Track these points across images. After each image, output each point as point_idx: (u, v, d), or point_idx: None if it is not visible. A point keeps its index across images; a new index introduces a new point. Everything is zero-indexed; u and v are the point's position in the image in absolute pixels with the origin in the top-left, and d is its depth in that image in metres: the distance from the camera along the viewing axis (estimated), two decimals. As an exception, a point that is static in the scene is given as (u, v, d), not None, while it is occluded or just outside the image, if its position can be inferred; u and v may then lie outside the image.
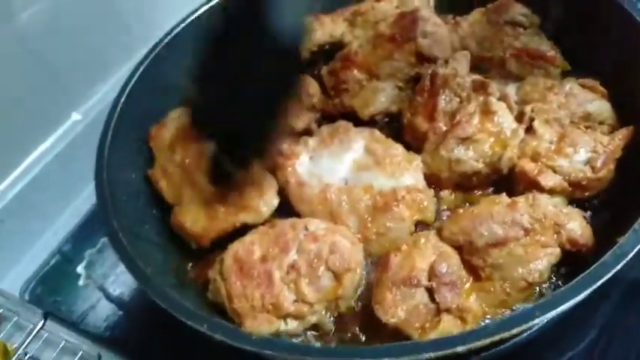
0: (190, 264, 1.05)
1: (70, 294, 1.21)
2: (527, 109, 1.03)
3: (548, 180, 0.95)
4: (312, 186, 1.02)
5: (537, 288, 0.89)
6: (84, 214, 1.33)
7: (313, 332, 0.90)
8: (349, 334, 0.90)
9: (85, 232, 1.30)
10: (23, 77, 1.23)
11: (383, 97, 1.16)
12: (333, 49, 1.30)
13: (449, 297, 0.84)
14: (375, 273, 0.92)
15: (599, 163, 0.95)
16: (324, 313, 0.89)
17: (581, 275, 0.74)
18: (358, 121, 1.14)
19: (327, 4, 1.37)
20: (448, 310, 0.83)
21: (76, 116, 1.38)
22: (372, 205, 0.98)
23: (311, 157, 1.06)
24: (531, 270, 0.86)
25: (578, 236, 0.88)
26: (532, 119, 1.02)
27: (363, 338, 0.89)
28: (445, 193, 1.04)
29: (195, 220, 1.02)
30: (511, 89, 1.08)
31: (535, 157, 0.97)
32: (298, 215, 1.01)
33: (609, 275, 0.74)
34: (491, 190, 1.03)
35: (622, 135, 0.98)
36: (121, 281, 1.20)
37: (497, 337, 0.70)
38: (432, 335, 0.80)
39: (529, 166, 0.96)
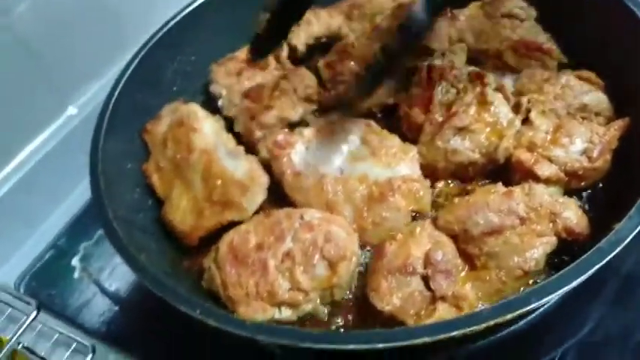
0: (185, 253, 1.04)
1: (65, 287, 1.21)
2: (524, 100, 1.03)
3: (545, 170, 0.95)
4: (307, 176, 1.02)
5: (533, 278, 0.88)
6: (80, 207, 1.33)
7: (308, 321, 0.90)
8: (343, 323, 0.90)
9: (81, 225, 1.30)
10: (18, 72, 1.23)
11: (380, 89, 1.16)
12: (330, 42, 1.31)
13: (444, 285, 0.83)
14: (370, 261, 0.91)
15: (595, 154, 0.95)
16: (318, 301, 0.89)
17: (577, 261, 0.74)
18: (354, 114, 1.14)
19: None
20: (443, 298, 0.83)
21: (71, 110, 1.37)
22: (367, 195, 0.98)
23: (307, 147, 1.06)
24: (527, 258, 0.86)
25: (574, 225, 0.88)
26: (529, 110, 1.03)
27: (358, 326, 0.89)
28: (441, 184, 1.04)
29: (184, 218, 1.02)
30: (508, 81, 1.09)
31: (531, 148, 0.97)
32: (294, 205, 1.01)
33: (605, 261, 0.74)
34: (487, 180, 1.03)
35: (618, 126, 0.98)
36: (117, 274, 1.19)
37: (492, 323, 0.69)
38: (429, 322, 0.80)
39: (525, 156, 0.96)
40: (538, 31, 1.17)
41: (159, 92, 1.22)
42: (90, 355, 1.04)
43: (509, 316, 0.70)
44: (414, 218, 0.98)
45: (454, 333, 0.68)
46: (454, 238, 0.89)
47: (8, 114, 1.22)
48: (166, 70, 1.26)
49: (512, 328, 0.91)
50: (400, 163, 1.00)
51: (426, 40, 1.16)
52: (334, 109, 1.16)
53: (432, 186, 1.03)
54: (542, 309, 0.93)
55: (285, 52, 1.28)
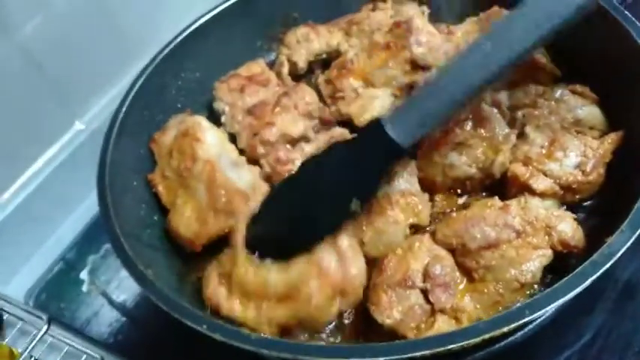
0: (191, 268, 1.06)
1: (73, 300, 1.23)
2: (519, 114, 1.05)
3: (540, 183, 0.97)
4: (309, 191, 1.04)
5: (530, 290, 0.90)
6: (87, 221, 1.35)
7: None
8: (343, 337, 0.92)
9: (89, 239, 1.32)
10: (25, 87, 1.25)
11: (378, 105, 1.18)
12: (329, 58, 1.33)
13: (443, 298, 0.86)
14: (370, 276, 0.93)
15: (589, 167, 0.97)
16: None
17: (571, 274, 0.76)
18: (354, 128, 1.17)
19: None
20: (442, 311, 0.85)
21: (79, 126, 1.40)
22: (367, 210, 1.00)
23: (308, 163, 1.08)
24: (523, 271, 0.88)
25: (569, 238, 0.90)
26: (523, 124, 1.04)
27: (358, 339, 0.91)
28: (439, 197, 1.06)
29: (188, 226, 1.05)
30: (503, 95, 1.10)
31: (526, 162, 0.99)
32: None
33: (598, 274, 0.76)
34: (484, 193, 1.05)
35: (611, 139, 1.00)
36: (125, 287, 1.22)
37: (487, 336, 0.71)
38: (429, 334, 0.82)
39: (521, 170, 0.98)
40: (533, 46, 1.19)
41: (164, 108, 1.25)
42: (99, 367, 1.07)
43: (505, 329, 0.72)
44: (412, 231, 1.00)
45: (451, 346, 0.71)
46: (452, 251, 0.92)
47: (16, 129, 1.24)
48: (171, 86, 1.29)
49: (509, 339, 0.93)
50: (399, 178, 1.02)
51: (423, 56, 1.19)
52: (334, 125, 1.18)
53: (430, 199, 1.05)
54: (539, 320, 0.96)
55: (286, 68, 1.30)
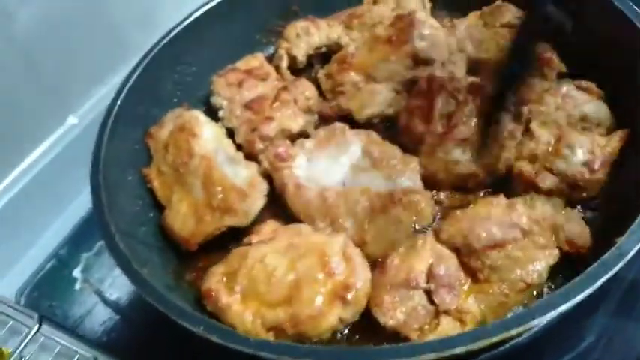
0: (188, 266, 1.04)
1: (66, 298, 1.20)
2: (524, 110, 1.03)
3: (546, 181, 0.95)
4: (309, 189, 1.02)
5: (536, 290, 0.88)
6: (81, 218, 1.32)
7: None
8: (346, 338, 0.89)
9: (82, 236, 1.29)
10: (19, 81, 1.22)
11: (380, 100, 1.16)
12: (329, 52, 1.31)
13: (447, 299, 0.84)
14: (373, 276, 0.91)
15: (596, 165, 0.96)
16: None
17: (580, 276, 0.74)
18: (355, 124, 1.15)
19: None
20: (447, 312, 0.83)
21: (72, 120, 1.37)
22: (369, 208, 0.98)
23: (308, 159, 1.06)
24: (529, 271, 0.86)
25: (576, 237, 0.88)
26: (529, 121, 1.02)
27: (361, 341, 0.89)
28: (442, 195, 1.04)
29: (184, 223, 1.03)
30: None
31: (532, 159, 0.98)
32: (295, 217, 1.01)
33: (608, 275, 0.74)
34: (488, 191, 1.03)
35: (619, 137, 0.98)
36: (118, 285, 1.19)
37: (495, 339, 0.69)
38: (431, 337, 0.80)
39: (526, 168, 0.97)
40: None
41: (160, 102, 1.22)
42: (92, 366, 1.04)
43: (513, 332, 0.70)
44: (415, 230, 0.98)
45: (457, 349, 0.69)
46: (456, 250, 0.90)
47: (9, 123, 1.22)
48: (167, 80, 1.26)
49: (514, 341, 0.91)
50: (402, 175, 1.00)
51: (425, 50, 1.17)
52: (335, 120, 1.16)
53: (434, 197, 1.03)
54: (546, 321, 0.94)
55: (285, 62, 1.28)
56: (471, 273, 0.88)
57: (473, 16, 1.26)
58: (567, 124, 1.02)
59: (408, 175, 1.01)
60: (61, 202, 1.35)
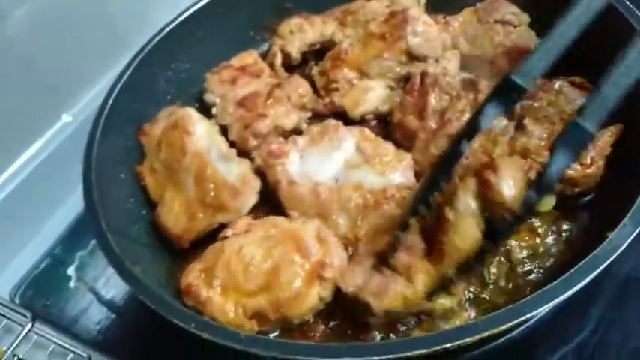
0: (180, 263, 1.03)
1: (61, 296, 1.20)
2: (517, 106, 1.03)
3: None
4: (302, 185, 1.01)
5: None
6: (75, 216, 1.32)
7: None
8: (325, 327, 0.91)
9: (76, 234, 1.29)
10: (13, 79, 1.22)
11: (373, 96, 1.16)
12: (323, 49, 1.31)
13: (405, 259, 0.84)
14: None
15: (588, 160, 0.95)
16: None
17: (571, 270, 0.74)
18: (348, 121, 1.15)
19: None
20: (399, 272, 0.84)
21: (66, 118, 1.37)
22: (362, 204, 0.98)
23: (301, 156, 1.06)
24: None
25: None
26: (522, 117, 1.02)
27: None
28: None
29: (176, 221, 1.03)
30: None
31: (525, 154, 0.97)
32: (289, 214, 1.00)
33: (599, 270, 0.74)
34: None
35: (610, 132, 0.98)
36: (113, 283, 1.19)
37: (486, 334, 0.69)
38: (387, 300, 0.81)
39: (519, 163, 0.96)
40: (531, 36, 1.17)
41: (153, 100, 1.23)
42: (86, 365, 1.04)
43: (503, 327, 0.70)
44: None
45: (448, 345, 0.69)
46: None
47: (2, 122, 1.21)
48: (160, 77, 1.26)
49: (507, 336, 0.91)
50: (395, 171, 1.00)
51: (419, 47, 1.16)
52: (328, 117, 1.16)
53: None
54: (537, 316, 0.94)
55: (279, 59, 1.28)
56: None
57: (467, 13, 1.25)
58: (560, 119, 1.01)
59: (401, 171, 1.01)
60: (56, 201, 1.35)
